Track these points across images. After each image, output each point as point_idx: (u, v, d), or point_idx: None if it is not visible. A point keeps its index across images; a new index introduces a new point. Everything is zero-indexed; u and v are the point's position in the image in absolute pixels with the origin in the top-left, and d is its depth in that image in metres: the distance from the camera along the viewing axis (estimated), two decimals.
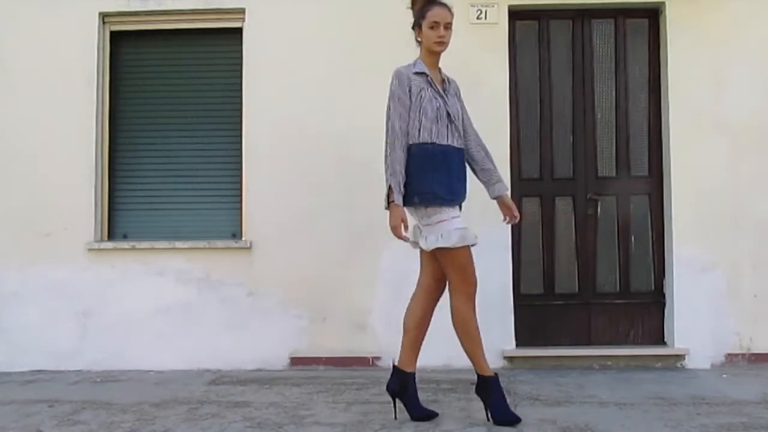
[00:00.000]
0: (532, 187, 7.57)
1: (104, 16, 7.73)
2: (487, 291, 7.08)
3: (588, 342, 7.35)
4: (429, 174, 5.10)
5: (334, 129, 7.47)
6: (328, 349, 7.31)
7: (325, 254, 7.37)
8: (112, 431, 5.17)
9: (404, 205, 5.10)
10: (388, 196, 5.07)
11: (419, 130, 5.15)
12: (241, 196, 7.59)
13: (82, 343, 7.45)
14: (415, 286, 5.54)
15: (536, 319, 7.44)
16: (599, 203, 7.50)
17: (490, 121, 7.19)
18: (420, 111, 5.17)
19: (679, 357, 7.12)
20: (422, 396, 5.92)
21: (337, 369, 7.23)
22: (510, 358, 7.23)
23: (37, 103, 7.63)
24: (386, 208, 5.12)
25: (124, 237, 7.74)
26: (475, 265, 7.11)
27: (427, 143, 5.14)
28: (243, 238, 7.50)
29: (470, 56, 7.30)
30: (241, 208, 7.58)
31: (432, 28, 5.32)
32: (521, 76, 7.62)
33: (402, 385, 5.32)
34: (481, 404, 5.30)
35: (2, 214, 7.58)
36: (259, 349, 7.35)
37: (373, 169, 7.27)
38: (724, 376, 6.75)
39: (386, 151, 5.13)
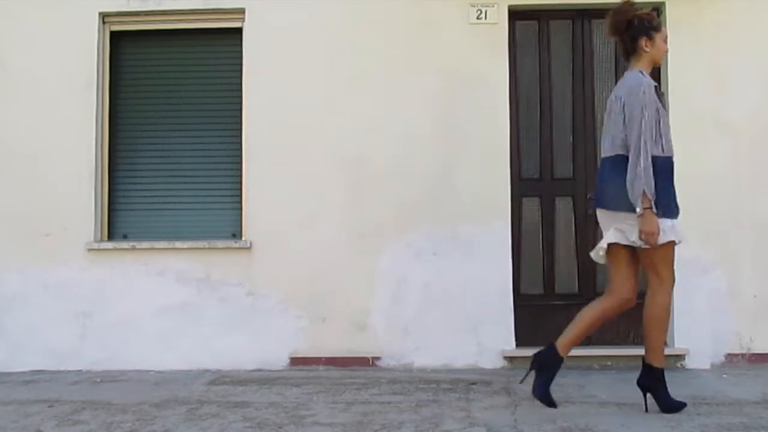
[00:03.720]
0: (532, 187, 7.56)
1: (104, 16, 7.73)
2: (487, 291, 7.16)
3: (588, 342, 7.25)
4: (670, 187, 5.30)
5: (334, 129, 7.47)
6: (328, 349, 7.31)
7: (325, 254, 7.37)
8: (112, 431, 5.17)
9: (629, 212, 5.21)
10: (641, 203, 5.12)
11: (662, 145, 5.29)
12: (241, 196, 7.59)
13: (82, 343, 7.45)
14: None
15: (536, 319, 7.41)
16: None
17: (489, 121, 7.23)
18: (662, 123, 5.30)
19: (679, 357, 7.13)
20: (422, 396, 6.00)
21: (337, 369, 7.22)
22: (510, 358, 7.22)
23: (37, 103, 7.63)
24: (639, 215, 5.13)
25: (124, 237, 7.74)
26: (474, 265, 7.15)
27: (669, 157, 5.32)
28: (243, 238, 7.50)
29: (470, 56, 7.35)
30: (241, 208, 7.58)
31: (665, 41, 5.50)
32: (521, 76, 7.61)
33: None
34: (481, 404, 5.44)
35: (2, 214, 7.58)
36: (259, 349, 7.35)
37: (373, 170, 7.33)
38: (725, 376, 6.75)
39: (636, 159, 5.14)
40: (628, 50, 5.49)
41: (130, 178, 7.81)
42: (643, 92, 5.22)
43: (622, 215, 5.25)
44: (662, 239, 5.18)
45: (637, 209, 5.11)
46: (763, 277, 7.15)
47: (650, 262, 5.33)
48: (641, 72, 5.39)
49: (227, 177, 7.70)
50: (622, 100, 5.31)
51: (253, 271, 7.43)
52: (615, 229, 5.31)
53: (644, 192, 5.08)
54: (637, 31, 5.41)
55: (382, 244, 7.30)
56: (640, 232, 5.14)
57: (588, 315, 5.54)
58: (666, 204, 5.21)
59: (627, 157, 5.21)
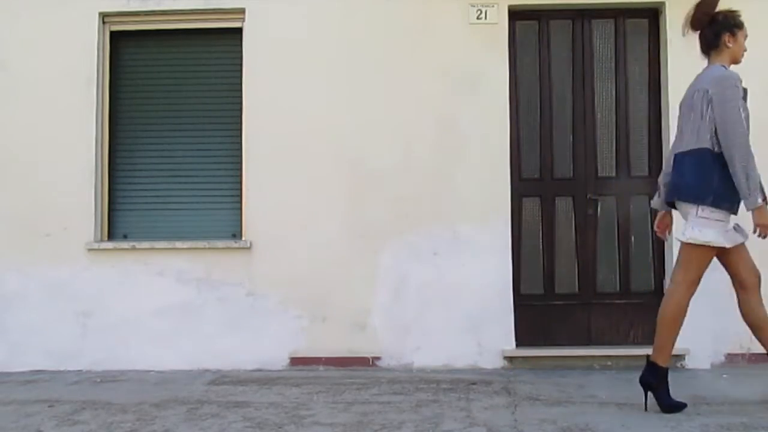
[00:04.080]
0: (532, 187, 7.54)
1: (104, 16, 7.72)
2: (487, 291, 7.15)
3: (588, 342, 7.33)
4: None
5: (334, 128, 7.46)
6: (328, 349, 7.30)
7: (325, 254, 7.36)
8: (112, 431, 5.17)
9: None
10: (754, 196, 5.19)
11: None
12: (241, 196, 7.57)
13: (82, 343, 7.44)
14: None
15: (536, 319, 7.41)
16: (599, 203, 7.48)
17: (489, 121, 7.22)
18: (748, 119, 5.30)
19: (679, 357, 7.09)
20: (422, 396, 6.00)
21: (337, 369, 7.21)
22: (510, 358, 7.21)
23: (37, 103, 7.62)
24: (757, 208, 5.21)
25: (124, 237, 7.73)
26: (475, 264, 7.12)
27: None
28: (243, 238, 7.48)
29: (470, 56, 7.34)
30: (241, 208, 7.57)
31: (745, 39, 5.59)
32: (521, 76, 7.60)
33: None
34: (481, 404, 5.45)
35: (2, 215, 7.57)
36: (259, 349, 7.33)
37: (373, 169, 7.31)
38: (725, 376, 6.75)
39: (741, 154, 5.15)
40: (710, 44, 5.52)
41: (130, 177, 7.79)
42: (735, 86, 5.27)
43: (700, 209, 5.27)
44: (704, 238, 5.27)
45: (755, 202, 5.19)
46: (763, 276, 6.99)
47: (687, 259, 5.42)
48: (724, 66, 5.43)
49: (227, 177, 7.68)
50: (709, 93, 5.28)
51: (253, 271, 7.42)
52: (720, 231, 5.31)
53: (760, 185, 5.20)
54: (722, 26, 5.48)
55: (382, 244, 7.29)
56: (756, 225, 5.24)
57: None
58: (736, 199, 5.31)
59: (712, 152, 5.24)
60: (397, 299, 7.24)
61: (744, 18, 6.89)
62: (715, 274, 7.09)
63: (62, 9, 7.65)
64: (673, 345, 5.38)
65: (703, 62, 7.20)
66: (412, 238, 7.26)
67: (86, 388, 6.60)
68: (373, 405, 5.74)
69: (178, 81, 7.83)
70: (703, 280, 6.97)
